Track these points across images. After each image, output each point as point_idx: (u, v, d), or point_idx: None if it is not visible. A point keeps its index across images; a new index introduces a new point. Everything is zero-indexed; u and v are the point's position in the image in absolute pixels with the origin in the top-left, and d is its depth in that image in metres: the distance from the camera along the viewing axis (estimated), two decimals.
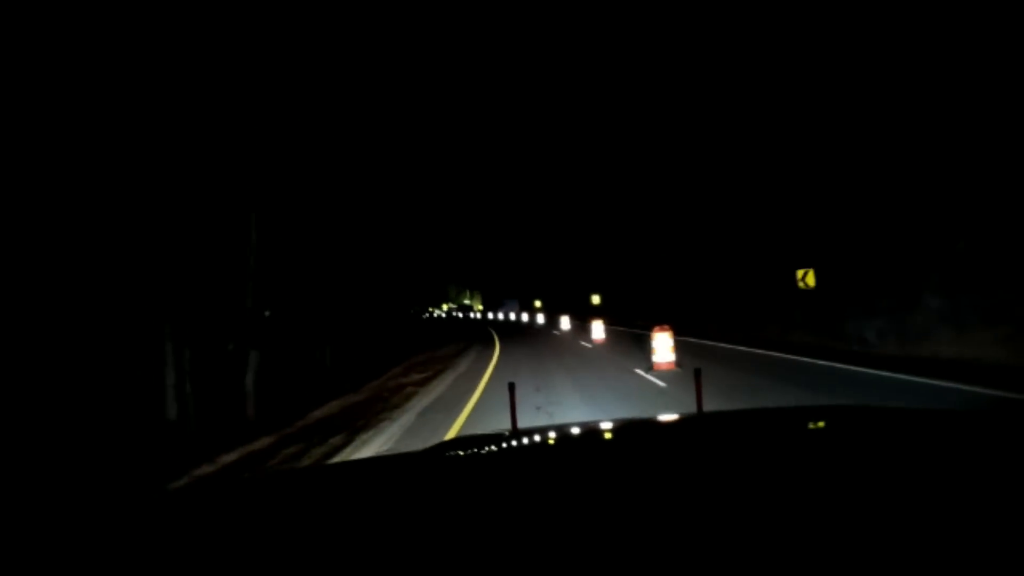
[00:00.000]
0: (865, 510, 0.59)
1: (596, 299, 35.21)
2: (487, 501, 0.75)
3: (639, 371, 9.04)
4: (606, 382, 8.22)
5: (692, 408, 2.20)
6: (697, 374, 2.42)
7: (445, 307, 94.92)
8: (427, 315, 75.96)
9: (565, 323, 24.27)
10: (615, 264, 32.86)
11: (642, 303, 26.53)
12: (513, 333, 25.72)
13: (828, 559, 0.49)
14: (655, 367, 8.49)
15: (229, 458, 5.79)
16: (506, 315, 53.58)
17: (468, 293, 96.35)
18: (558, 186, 45.88)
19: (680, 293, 21.70)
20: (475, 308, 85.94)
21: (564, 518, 0.64)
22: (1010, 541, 0.50)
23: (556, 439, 1.26)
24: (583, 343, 16.18)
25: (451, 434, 5.61)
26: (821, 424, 1.15)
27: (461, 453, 1.12)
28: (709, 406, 2.70)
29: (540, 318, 35.60)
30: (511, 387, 2.52)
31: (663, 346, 8.38)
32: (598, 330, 16.04)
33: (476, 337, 24.35)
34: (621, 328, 21.48)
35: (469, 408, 7.05)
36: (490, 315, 62.50)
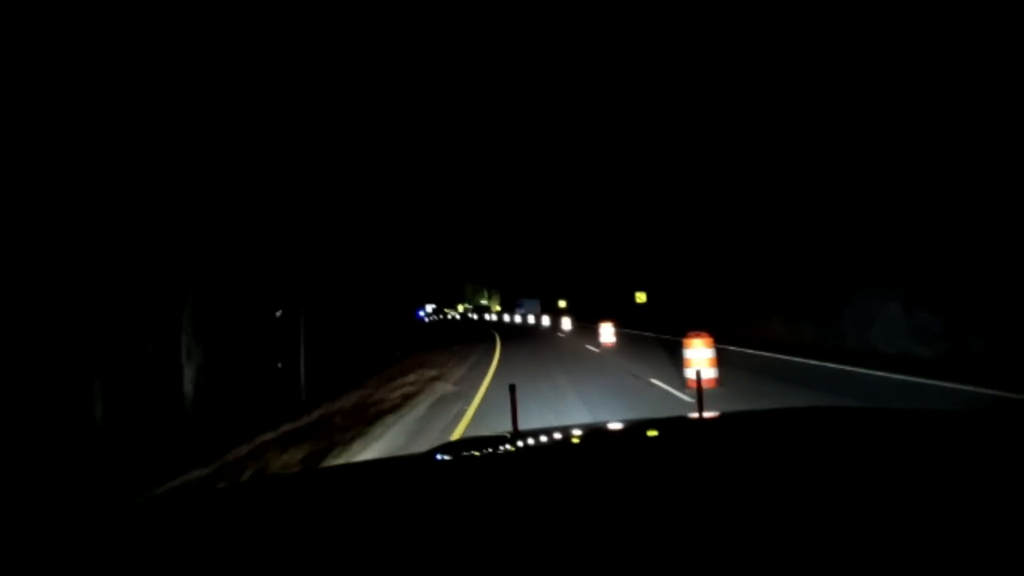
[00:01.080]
0: (866, 512, 0.58)
1: (642, 297, 26.34)
2: (488, 503, 0.73)
3: None
4: None
5: None
6: (698, 381, 2.39)
7: (460, 308, 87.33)
8: (437, 316, 68.07)
9: (607, 333, 15.44)
10: (671, 250, 23.64)
11: (717, 302, 17.59)
12: (525, 347, 16.89)
13: (830, 561, 0.48)
14: None
15: None
16: (523, 318, 44.66)
17: (486, 293, 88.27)
18: (584, 166, 37.06)
19: (793, 279, 12.65)
20: (492, 309, 77.67)
21: (565, 520, 0.62)
22: (1012, 542, 0.49)
23: (557, 441, 1.24)
24: (661, 385, 7.43)
25: None
26: (824, 426, 1.10)
27: (462, 455, 1.09)
28: None
29: (566, 323, 26.85)
30: (512, 389, 2.28)
31: None
32: (701, 359, 7.09)
33: (473, 349, 15.75)
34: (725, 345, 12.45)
35: None
36: (506, 317, 53.99)
